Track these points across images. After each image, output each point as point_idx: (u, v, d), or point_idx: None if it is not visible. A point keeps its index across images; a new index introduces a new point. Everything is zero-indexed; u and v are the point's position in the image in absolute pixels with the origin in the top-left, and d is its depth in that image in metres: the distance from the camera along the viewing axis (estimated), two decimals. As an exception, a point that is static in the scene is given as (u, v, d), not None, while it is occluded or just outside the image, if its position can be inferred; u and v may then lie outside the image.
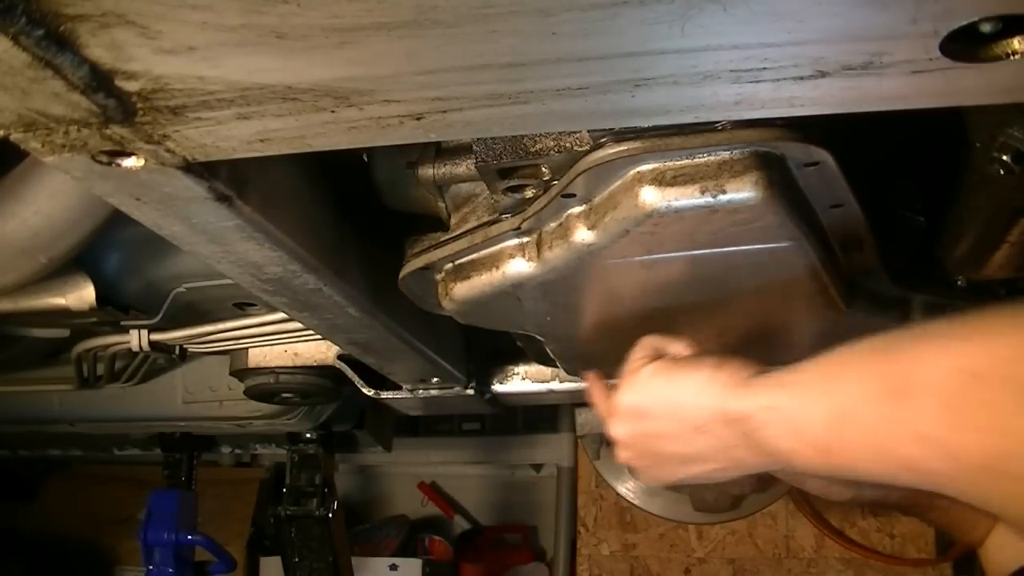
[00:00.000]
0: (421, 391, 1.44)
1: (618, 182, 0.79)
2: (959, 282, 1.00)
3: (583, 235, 0.83)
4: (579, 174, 0.78)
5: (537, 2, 0.46)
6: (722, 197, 0.75)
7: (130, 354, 1.42)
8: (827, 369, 0.68)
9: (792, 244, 0.82)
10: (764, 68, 0.53)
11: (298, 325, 1.25)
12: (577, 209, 0.83)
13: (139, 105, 0.57)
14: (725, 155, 0.75)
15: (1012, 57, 0.50)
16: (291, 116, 0.59)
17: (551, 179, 0.83)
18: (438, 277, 0.99)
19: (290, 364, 1.43)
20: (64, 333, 1.36)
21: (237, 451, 2.43)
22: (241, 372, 1.46)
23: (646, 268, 0.87)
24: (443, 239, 0.96)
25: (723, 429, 0.75)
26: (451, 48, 0.50)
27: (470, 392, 1.43)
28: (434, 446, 2.96)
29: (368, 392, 1.44)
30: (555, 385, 1.46)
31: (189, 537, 1.93)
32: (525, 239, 0.90)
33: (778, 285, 0.90)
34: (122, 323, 1.33)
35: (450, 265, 0.97)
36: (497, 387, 1.49)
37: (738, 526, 2.51)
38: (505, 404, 1.54)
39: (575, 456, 2.71)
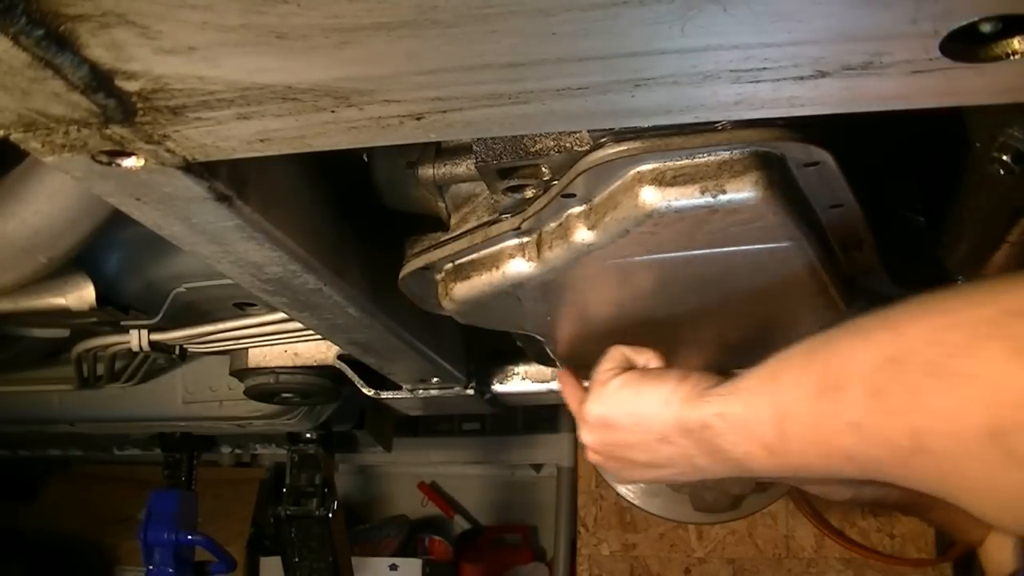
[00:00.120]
0: (421, 391, 1.44)
1: (618, 182, 0.79)
2: (959, 282, 1.00)
3: (583, 235, 0.83)
4: (579, 174, 0.78)
5: (537, 2, 0.46)
6: (722, 197, 0.75)
7: (130, 354, 1.42)
8: (770, 372, 0.71)
9: (792, 244, 0.82)
10: (764, 68, 0.53)
11: (298, 325, 1.25)
12: (577, 209, 0.83)
13: (139, 105, 0.57)
14: (725, 155, 0.75)
15: (1012, 57, 0.50)
16: (291, 116, 0.59)
17: (551, 179, 0.83)
18: (438, 277, 0.99)
19: (290, 364, 1.43)
20: (64, 333, 1.36)
21: (237, 451, 2.43)
22: (241, 372, 1.46)
23: (646, 268, 0.87)
24: (443, 239, 0.96)
25: (683, 439, 0.79)
26: (451, 48, 0.50)
27: (470, 392, 1.43)
28: (434, 446, 2.96)
29: (368, 392, 1.44)
30: (555, 385, 1.46)
31: (189, 537, 1.93)
32: (525, 239, 0.90)
33: (778, 285, 0.90)
34: (122, 323, 1.33)
35: (450, 265, 0.97)
36: (497, 387, 1.49)
37: (738, 526, 2.51)
38: (505, 404, 1.54)
39: (575, 456, 2.71)
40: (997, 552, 0.94)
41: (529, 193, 0.85)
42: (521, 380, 1.49)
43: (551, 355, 1.22)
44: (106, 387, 1.53)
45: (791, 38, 0.50)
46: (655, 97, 0.57)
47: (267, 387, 1.45)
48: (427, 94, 0.56)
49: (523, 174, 0.84)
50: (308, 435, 1.93)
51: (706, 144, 0.74)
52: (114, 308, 1.20)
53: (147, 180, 0.67)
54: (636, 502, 2.40)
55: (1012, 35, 0.49)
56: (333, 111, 0.58)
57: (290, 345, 1.41)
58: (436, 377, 1.38)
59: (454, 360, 1.35)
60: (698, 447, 0.78)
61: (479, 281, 0.94)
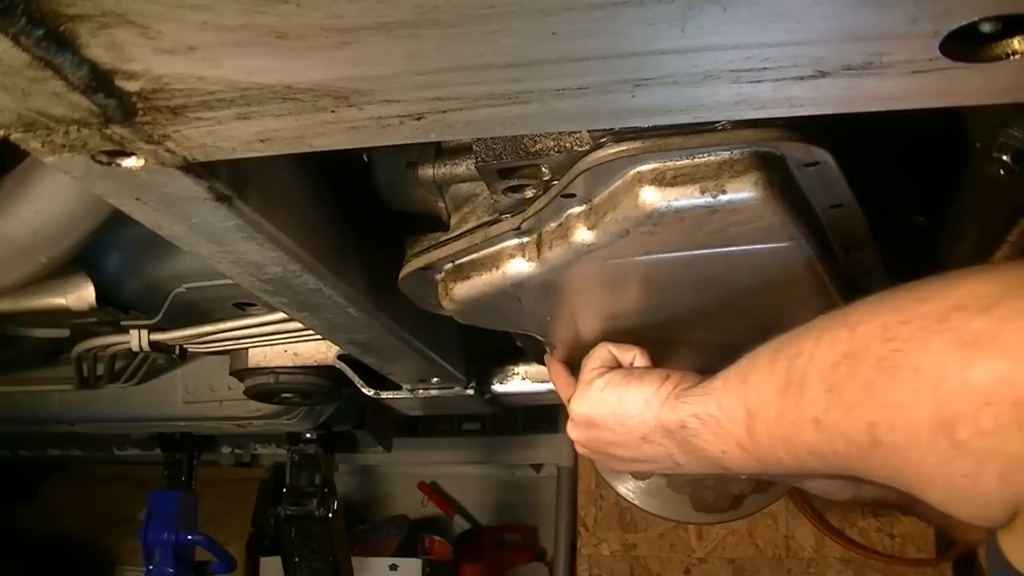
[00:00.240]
0: (421, 391, 1.44)
1: (618, 182, 0.79)
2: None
3: (583, 235, 0.83)
4: (579, 174, 0.78)
5: (537, 2, 0.46)
6: (722, 197, 0.75)
7: (130, 354, 1.42)
8: (741, 372, 0.74)
9: (792, 244, 0.82)
10: (764, 68, 0.53)
11: (298, 325, 1.25)
12: (577, 209, 0.83)
13: (139, 105, 0.57)
14: (725, 155, 0.75)
15: (1012, 57, 0.50)
16: (291, 116, 0.59)
17: (551, 179, 0.83)
18: (438, 277, 0.99)
19: (290, 364, 1.43)
20: (64, 333, 1.36)
21: (237, 451, 2.43)
22: (241, 372, 1.46)
23: (646, 268, 0.87)
24: (443, 239, 0.96)
25: (664, 439, 0.82)
26: (451, 48, 0.50)
27: (470, 392, 1.43)
28: (434, 446, 2.96)
29: (368, 392, 1.44)
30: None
31: (189, 537, 1.93)
32: (525, 239, 0.90)
33: (778, 285, 0.90)
34: (122, 323, 1.33)
35: (450, 265, 0.97)
36: (497, 387, 1.49)
37: (738, 526, 2.51)
38: (505, 404, 1.54)
39: (575, 456, 2.71)
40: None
41: (529, 193, 0.85)
42: (521, 380, 1.49)
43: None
44: (106, 387, 1.53)
45: (791, 38, 0.50)
46: (655, 97, 0.57)
47: (267, 387, 1.45)
48: (427, 94, 0.56)
49: (523, 174, 0.84)
50: (308, 435, 1.93)
51: (706, 144, 0.74)
52: (114, 308, 1.20)
53: (147, 180, 0.67)
54: (636, 502, 2.40)
55: (1012, 35, 0.49)
56: (333, 111, 0.58)
57: (290, 345, 1.41)
58: (436, 377, 1.38)
59: (454, 360, 1.35)
60: (678, 446, 0.81)
61: (479, 281, 0.94)
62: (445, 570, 2.88)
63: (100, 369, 1.47)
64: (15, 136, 0.59)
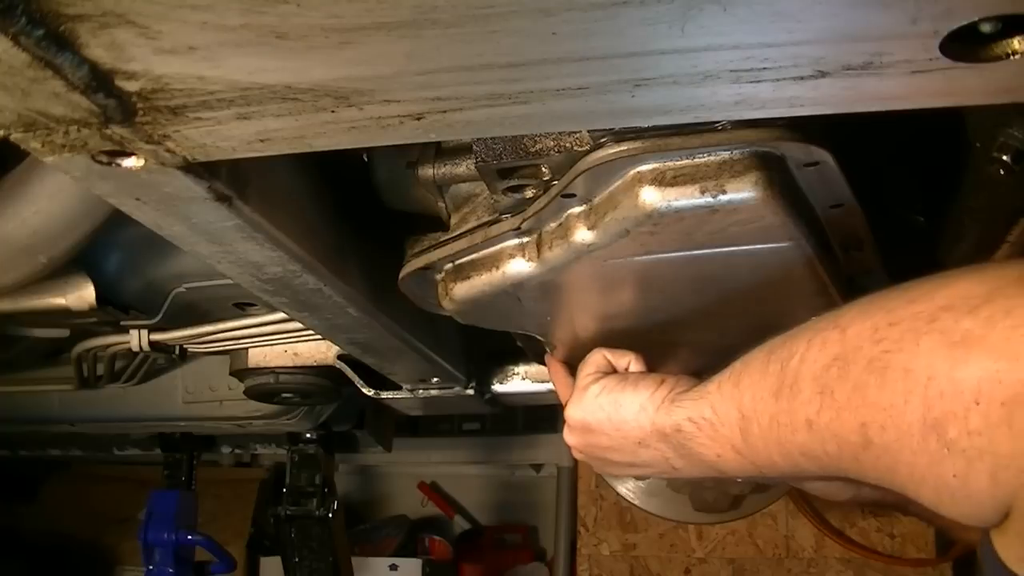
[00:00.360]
0: (421, 391, 1.44)
1: (618, 182, 0.79)
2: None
3: (583, 235, 0.83)
4: (579, 174, 0.78)
5: (537, 2, 0.46)
6: (722, 197, 0.75)
7: (130, 354, 1.42)
8: (735, 375, 0.74)
9: (792, 244, 0.82)
10: (764, 68, 0.53)
11: (298, 325, 1.25)
12: (577, 209, 0.83)
13: (139, 105, 0.57)
14: (725, 155, 0.75)
15: (1012, 57, 0.50)
16: (291, 116, 0.59)
17: (551, 179, 0.83)
18: (438, 277, 0.99)
19: (290, 364, 1.43)
20: (64, 333, 1.36)
21: (237, 451, 2.43)
22: (241, 372, 1.46)
23: (646, 268, 0.87)
24: (443, 239, 0.96)
25: (659, 443, 0.83)
26: (451, 48, 0.50)
27: (470, 392, 1.43)
28: (434, 446, 2.96)
29: (368, 392, 1.44)
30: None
31: (189, 537, 1.93)
32: (525, 239, 0.90)
33: (778, 285, 0.90)
34: (122, 323, 1.33)
35: (450, 265, 0.97)
36: (497, 387, 1.49)
37: (738, 526, 2.51)
38: (505, 404, 1.54)
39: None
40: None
41: (529, 193, 0.85)
42: (521, 380, 1.49)
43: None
44: (106, 387, 1.53)
45: (791, 38, 0.50)
46: (655, 97, 0.57)
47: (267, 387, 1.45)
48: (427, 94, 0.56)
49: (523, 174, 0.84)
50: (308, 435, 1.93)
51: (706, 144, 0.74)
52: (114, 308, 1.20)
53: (147, 180, 0.67)
54: (636, 502, 2.40)
55: (1012, 35, 0.49)
56: (333, 111, 0.58)
57: (290, 345, 1.41)
58: (436, 377, 1.38)
59: (454, 360, 1.35)
60: (673, 450, 0.82)
61: (479, 281, 0.94)
62: (445, 570, 2.88)
63: (100, 369, 1.47)
64: (15, 136, 0.59)
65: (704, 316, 0.99)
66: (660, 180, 0.76)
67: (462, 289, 0.95)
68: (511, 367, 1.49)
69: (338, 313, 1.03)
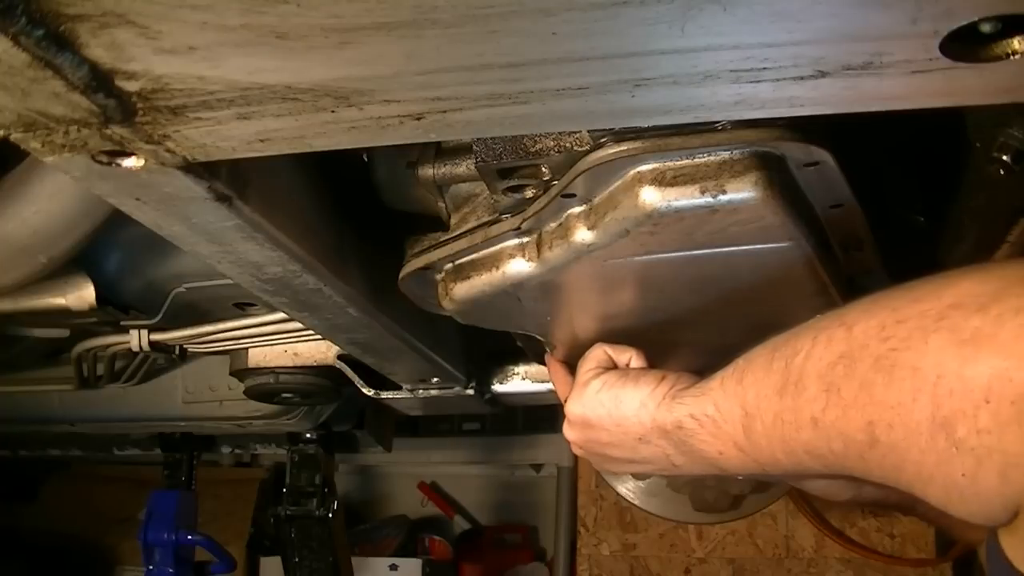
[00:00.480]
0: (421, 391, 1.44)
1: (618, 182, 0.79)
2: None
3: (583, 235, 0.83)
4: (579, 174, 0.78)
5: (537, 2, 0.46)
6: (722, 197, 0.75)
7: (130, 354, 1.42)
8: (738, 372, 0.74)
9: (792, 244, 0.82)
10: (764, 68, 0.53)
11: (298, 325, 1.25)
12: (577, 209, 0.83)
13: (139, 105, 0.57)
14: (725, 155, 0.75)
15: (1012, 57, 0.50)
16: (291, 116, 0.59)
17: (551, 179, 0.83)
18: (438, 277, 0.99)
19: (290, 364, 1.43)
20: (64, 333, 1.36)
21: (237, 451, 2.43)
22: (241, 372, 1.46)
23: (646, 268, 0.87)
24: (443, 239, 0.96)
25: (660, 439, 0.82)
26: (451, 48, 0.50)
27: (470, 392, 1.43)
28: (434, 446, 2.97)
29: (368, 392, 1.44)
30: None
31: (189, 537, 1.93)
32: (525, 239, 0.90)
33: (778, 285, 0.90)
34: (122, 323, 1.33)
35: (450, 265, 0.97)
36: (497, 387, 1.49)
37: (738, 526, 2.52)
38: (505, 404, 1.54)
39: (575, 456, 2.70)
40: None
41: (529, 193, 0.86)
42: (521, 380, 1.49)
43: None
44: (106, 387, 1.53)
45: (791, 38, 0.50)
46: (655, 97, 0.57)
47: (267, 387, 1.45)
48: (427, 94, 0.56)
49: (523, 174, 0.84)
50: (308, 435, 1.93)
51: (706, 144, 0.74)
52: (114, 308, 1.20)
53: (147, 180, 0.67)
54: (636, 502, 2.40)
55: (1012, 35, 0.49)
56: (333, 111, 0.58)
57: (290, 345, 1.41)
58: (436, 377, 1.38)
59: (454, 360, 1.35)
60: (674, 447, 0.81)
61: (479, 281, 0.94)
62: (445, 570, 2.88)
63: (100, 369, 1.47)
64: (15, 136, 0.59)
65: (704, 316, 0.99)
66: (660, 180, 0.76)
67: (462, 289, 0.95)
68: (511, 367, 1.49)
69: (338, 313, 1.03)
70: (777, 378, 0.68)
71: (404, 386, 1.43)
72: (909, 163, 0.97)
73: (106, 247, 1.13)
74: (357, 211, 1.01)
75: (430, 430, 2.94)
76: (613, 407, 0.87)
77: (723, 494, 2.13)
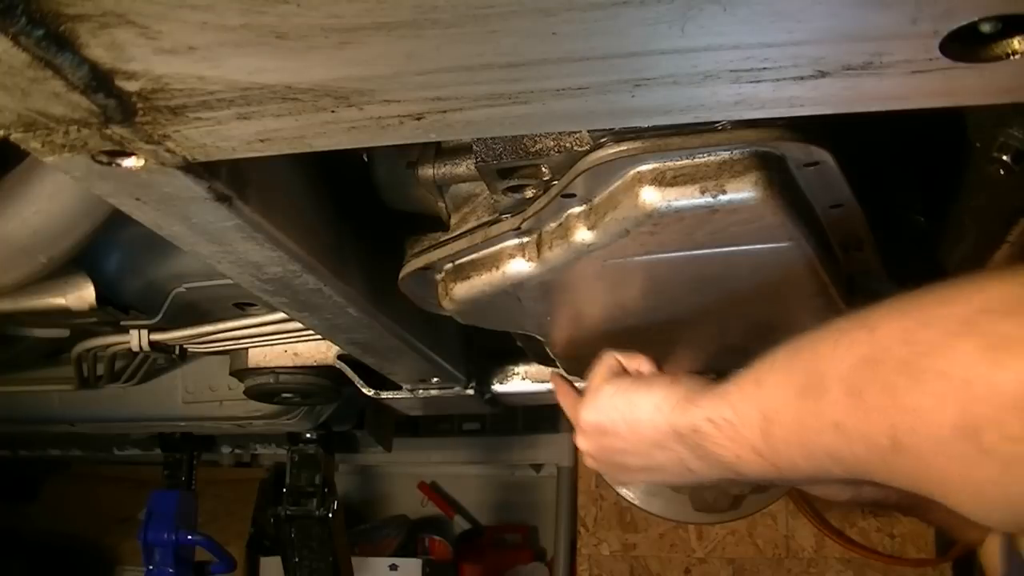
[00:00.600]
0: (421, 391, 1.44)
1: (618, 182, 0.79)
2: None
3: (583, 235, 0.83)
4: (579, 174, 0.78)
5: (537, 2, 0.46)
6: (722, 197, 0.75)
7: (130, 354, 1.42)
8: (756, 376, 0.72)
9: (792, 244, 0.82)
10: (764, 68, 0.53)
11: (298, 325, 1.25)
12: (577, 209, 0.83)
13: (139, 105, 0.57)
14: (725, 155, 0.75)
15: (1012, 57, 0.50)
16: (291, 116, 0.59)
17: (551, 179, 0.83)
18: (438, 277, 0.99)
19: (290, 364, 1.43)
20: (64, 333, 1.36)
21: (237, 451, 2.43)
22: (241, 372, 1.46)
23: (646, 268, 0.87)
24: (443, 239, 0.96)
25: (676, 444, 0.80)
26: (451, 48, 0.50)
27: (470, 392, 1.43)
28: (434, 446, 2.97)
29: (368, 392, 1.44)
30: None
31: (189, 537, 1.93)
32: (525, 239, 0.90)
33: (778, 285, 0.90)
34: (122, 323, 1.33)
35: (450, 265, 0.97)
36: (497, 387, 1.49)
37: (738, 526, 2.52)
38: (505, 404, 1.54)
39: (575, 456, 2.71)
40: (997, 552, 0.94)
41: (529, 193, 0.86)
42: (521, 380, 1.49)
43: (551, 355, 1.21)
44: (106, 387, 1.53)
45: (791, 38, 0.50)
46: (655, 97, 0.57)
47: (267, 387, 1.45)
48: (427, 94, 0.56)
49: (523, 174, 0.84)
50: (308, 435, 1.93)
51: (706, 144, 0.74)
52: (114, 308, 1.20)
53: (147, 180, 0.67)
54: (636, 502, 2.40)
55: (1012, 35, 0.49)
56: (333, 111, 0.58)
57: (290, 345, 1.41)
58: (436, 377, 1.38)
59: (454, 360, 1.35)
60: (690, 452, 0.79)
61: (479, 281, 0.94)
62: (445, 570, 2.88)
63: (100, 369, 1.47)
64: (15, 136, 0.59)
65: (704, 316, 0.99)
66: (660, 180, 0.76)
67: (462, 289, 0.95)
68: (511, 367, 1.49)
69: (338, 313, 1.03)
70: (798, 381, 0.66)
71: (404, 386, 1.43)
72: (909, 163, 0.97)
73: (106, 247, 1.13)
74: (357, 211, 1.01)
75: (430, 430, 2.94)
76: (627, 411, 0.85)
77: (723, 494, 2.14)
